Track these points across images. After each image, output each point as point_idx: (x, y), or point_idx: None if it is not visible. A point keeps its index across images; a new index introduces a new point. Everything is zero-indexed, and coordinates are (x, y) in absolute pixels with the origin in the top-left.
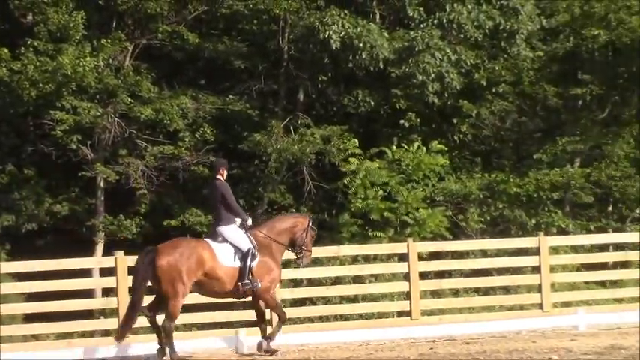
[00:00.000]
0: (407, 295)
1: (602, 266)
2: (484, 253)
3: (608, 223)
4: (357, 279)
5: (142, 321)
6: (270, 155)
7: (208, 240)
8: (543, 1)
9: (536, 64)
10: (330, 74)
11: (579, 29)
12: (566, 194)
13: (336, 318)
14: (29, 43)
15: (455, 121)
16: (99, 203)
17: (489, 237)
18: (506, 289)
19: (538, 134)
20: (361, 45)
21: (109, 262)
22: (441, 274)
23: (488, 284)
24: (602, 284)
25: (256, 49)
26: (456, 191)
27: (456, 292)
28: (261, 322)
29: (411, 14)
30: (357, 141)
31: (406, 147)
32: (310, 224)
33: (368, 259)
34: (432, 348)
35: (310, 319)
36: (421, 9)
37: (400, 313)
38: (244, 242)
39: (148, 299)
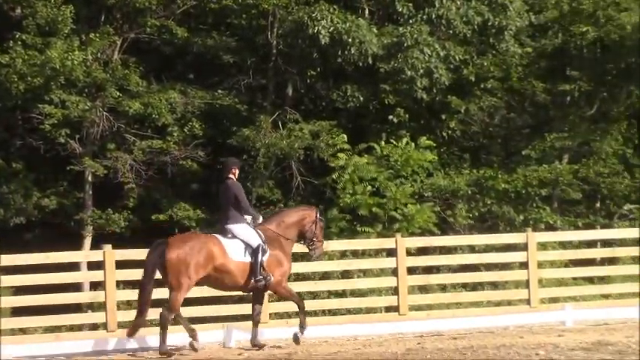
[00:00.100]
0: (395, 291)
1: (590, 262)
2: (472, 249)
3: (596, 219)
4: (345, 274)
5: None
6: (258, 150)
7: (218, 236)
8: None
9: (525, 60)
10: (318, 69)
11: (568, 26)
12: (554, 190)
13: (324, 313)
14: (17, 36)
15: (443, 116)
16: (87, 197)
17: (477, 233)
18: (494, 285)
19: (526, 130)
20: (350, 40)
21: (96, 255)
22: (428, 270)
23: (476, 280)
24: (590, 280)
25: (245, 44)
26: (445, 187)
27: (443, 288)
28: (256, 320)
29: (400, 10)
30: (345, 136)
31: (395, 142)
32: (318, 215)
33: (356, 254)
34: (419, 343)
35: (298, 315)
36: (410, 4)
37: (388, 309)
38: (254, 239)
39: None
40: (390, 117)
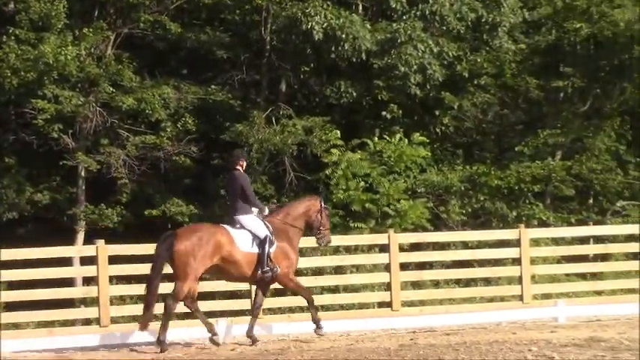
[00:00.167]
0: (387, 286)
1: (583, 259)
2: (465, 245)
3: (588, 215)
4: (338, 270)
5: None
6: (251, 146)
7: (227, 226)
8: None
9: (519, 56)
10: (312, 65)
11: (561, 22)
12: (547, 187)
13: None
14: (11, 31)
15: (437, 112)
16: (80, 192)
17: (470, 229)
18: (487, 281)
19: (520, 126)
20: (343, 36)
21: (89, 251)
22: (421, 266)
23: (468, 276)
24: (583, 277)
25: (239, 40)
26: (438, 183)
27: (436, 284)
28: (255, 312)
29: (394, 6)
30: (338, 132)
31: (388, 138)
32: (323, 204)
33: (349, 249)
34: (412, 339)
35: (291, 310)
36: (404, 0)
37: (381, 304)
38: (262, 230)
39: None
40: (384, 113)
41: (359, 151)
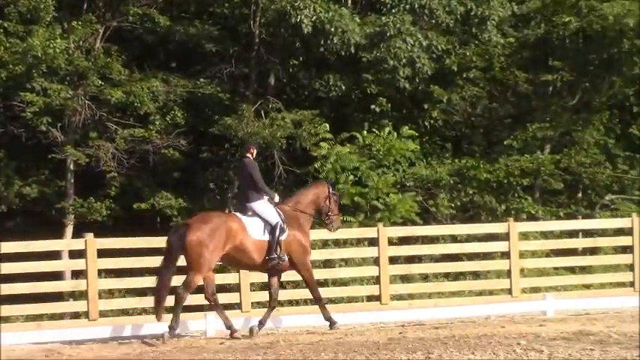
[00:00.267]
0: (376, 280)
1: (572, 252)
2: (454, 239)
3: (577, 209)
4: (327, 263)
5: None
6: (240, 139)
7: (238, 214)
8: None
9: (507, 50)
10: (301, 58)
11: (550, 16)
12: (536, 180)
13: (305, 302)
14: None
15: (426, 106)
16: (69, 185)
17: (459, 222)
18: (476, 275)
19: (508, 120)
20: (333, 29)
21: (78, 244)
22: (410, 259)
23: (457, 269)
24: (571, 270)
25: (228, 33)
26: (427, 176)
27: (425, 277)
28: (272, 304)
29: None
30: (327, 125)
31: (377, 132)
32: (331, 190)
33: (338, 243)
34: (401, 333)
35: (280, 303)
36: None
37: (370, 298)
38: (273, 216)
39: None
40: (373, 106)
41: (348, 145)
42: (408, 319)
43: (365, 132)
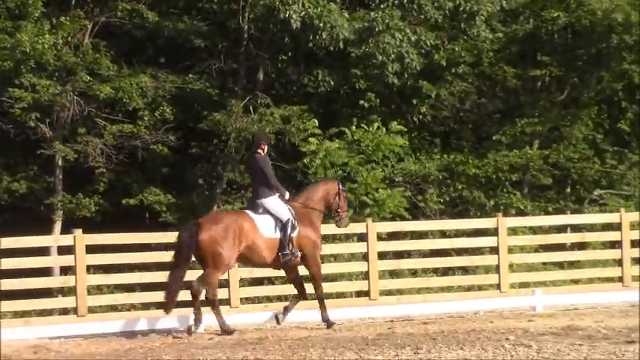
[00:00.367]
0: (365, 275)
1: (560, 247)
2: (443, 234)
3: (566, 204)
4: None
5: None
6: (229, 134)
7: (249, 212)
8: None
9: (496, 45)
10: (290, 54)
11: (539, 11)
12: (524, 175)
13: (294, 298)
14: None
15: (414, 101)
16: (57, 181)
17: (448, 218)
18: (465, 270)
19: (497, 115)
20: (321, 25)
21: (67, 240)
22: (399, 255)
23: (446, 265)
24: (560, 265)
25: (216, 28)
26: (415, 172)
27: (414, 273)
28: (301, 293)
29: None
30: (316, 121)
31: (366, 127)
32: (341, 187)
33: (327, 238)
34: (390, 328)
35: (269, 299)
36: None
37: (359, 293)
38: (284, 213)
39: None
40: (361, 102)
41: (337, 140)
42: (396, 314)
43: (354, 127)
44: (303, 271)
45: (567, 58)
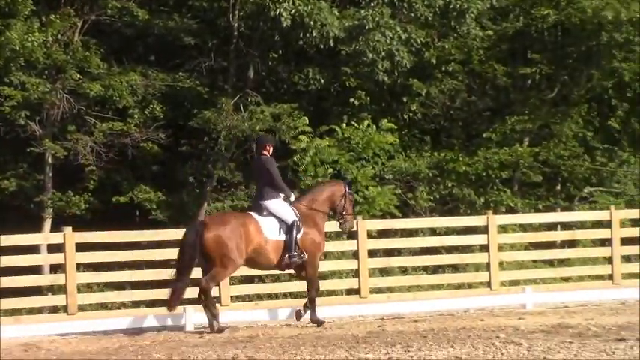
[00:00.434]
0: (356, 273)
1: (550, 245)
2: (433, 232)
3: (556, 202)
4: None
5: None
6: (219, 132)
7: (253, 214)
8: None
9: (486, 43)
10: (280, 52)
11: (529, 9)
12: (514, 173)
13: (284, 295)
14: None
15: (405, 99)
16: (47, 179)
17: (438, 215)
18: (455, 268)
19: (487, 113)
20: (311, 23)
21: (57, 238)
22: (389, 252)
23: (436, 262)
24: (550, 263)
25: (206, 26)
26: (406, 169)
27: (404, 270)
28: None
29: None
30: (306, 119)
31: (356, 125)
32: (347, 189)
33: None
34: (380, 326)
35: (259, 297)
36: None
37: (349, 291)
38: (289, 215)
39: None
40: (352, 99)
41: (327, 138)
42: (387, 312)
43: (344, 125)
44: None
45: (557, 55)
